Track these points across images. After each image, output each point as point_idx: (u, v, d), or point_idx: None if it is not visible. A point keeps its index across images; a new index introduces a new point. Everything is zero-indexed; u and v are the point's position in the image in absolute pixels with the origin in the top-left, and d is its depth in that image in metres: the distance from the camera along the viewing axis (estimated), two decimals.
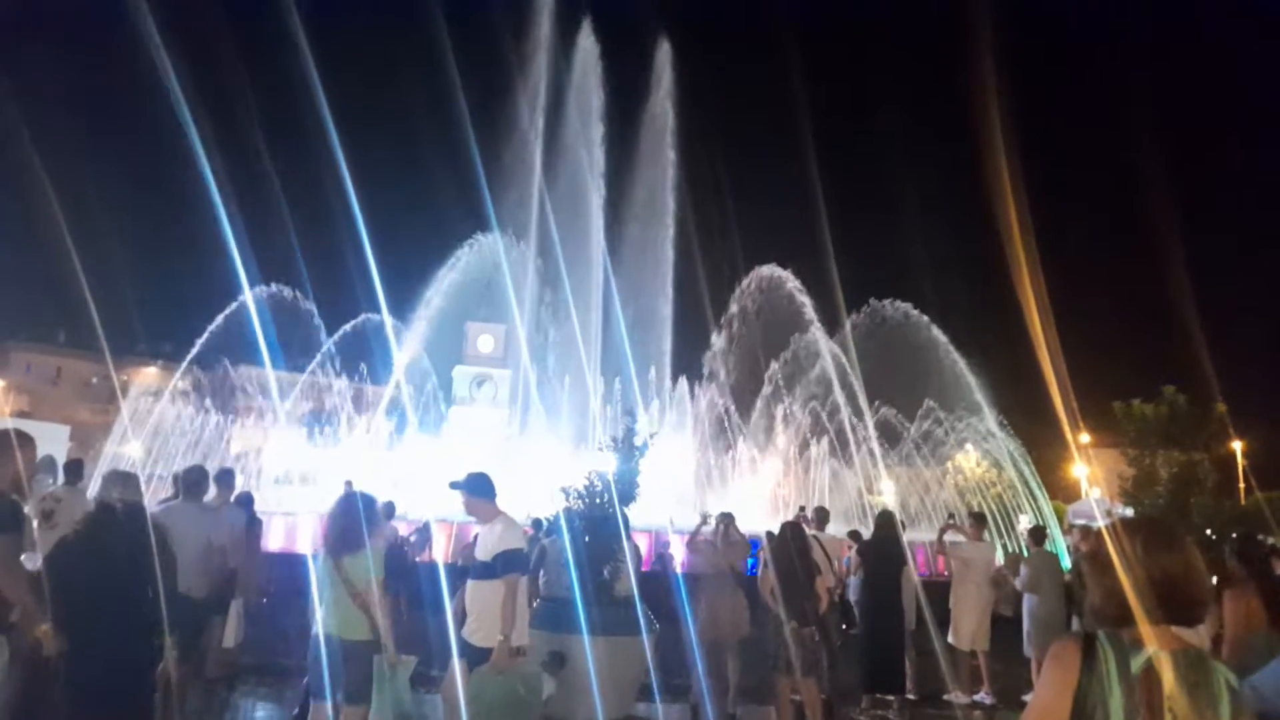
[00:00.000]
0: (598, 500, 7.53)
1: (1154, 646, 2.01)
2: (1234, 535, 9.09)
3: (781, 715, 7.08)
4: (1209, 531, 21.76)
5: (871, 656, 8.35)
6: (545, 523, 8.48)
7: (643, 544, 13.74)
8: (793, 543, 7.25)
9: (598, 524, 7.41)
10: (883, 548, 8.71)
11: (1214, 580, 6.52)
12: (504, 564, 5.15)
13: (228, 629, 7.03)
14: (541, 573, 8.17)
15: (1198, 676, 1.99)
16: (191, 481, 6.53)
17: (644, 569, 11.26)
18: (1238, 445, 36.17)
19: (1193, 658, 2.03)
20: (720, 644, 7.91)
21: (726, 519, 8.63)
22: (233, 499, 7.72)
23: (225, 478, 7.63)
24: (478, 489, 5.40)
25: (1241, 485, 38.72)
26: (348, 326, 23.76)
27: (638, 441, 7.63)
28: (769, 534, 7.60)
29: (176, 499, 6.64)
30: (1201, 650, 2.08)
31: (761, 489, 23.61)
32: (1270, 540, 11.84)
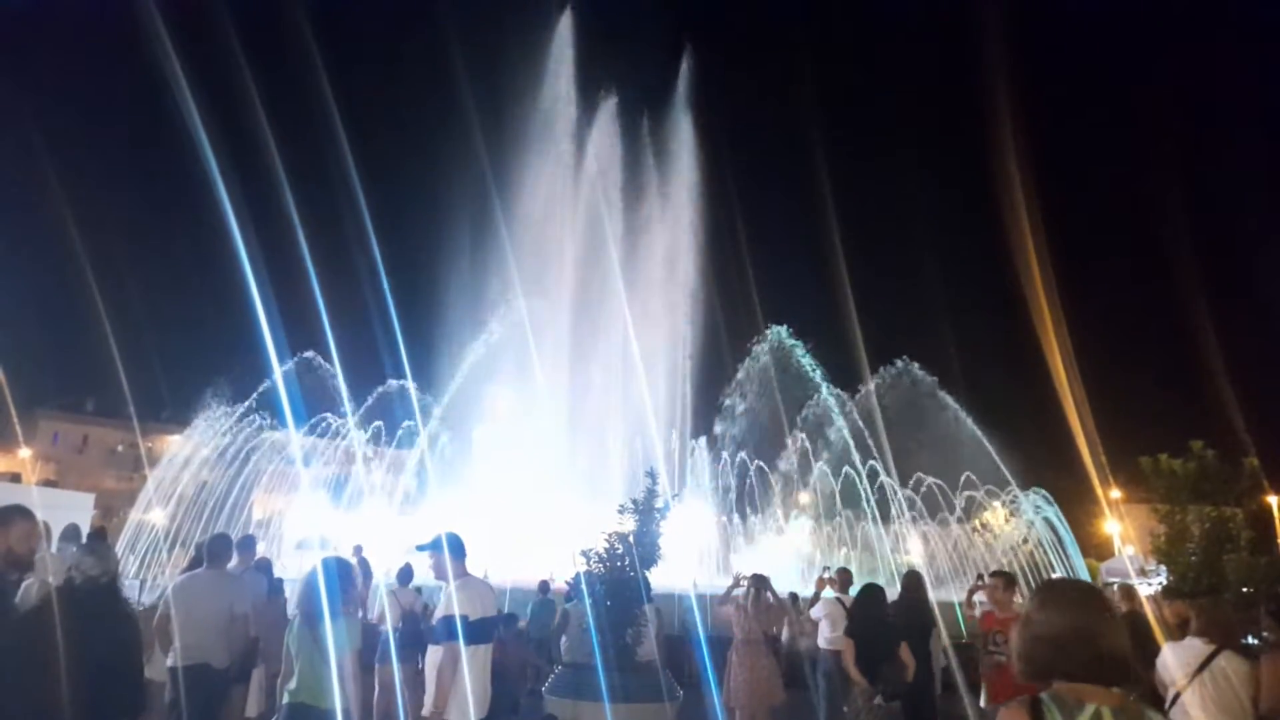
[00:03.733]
0: (618, 563, 7.46)
1: (1095, 703, 2.16)
2: (1271, 595, 8.86)
3: None
4: (1245, 589, 21.14)
5: None
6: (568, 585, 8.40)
7: (666, 608, 13.58)
8: (876, 607, 7.07)
9: (618, 587, 7.34)
10: (911, 609, 8.52)
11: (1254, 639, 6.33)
12: (442, 630, 5.02)
13: (250, 698, 6.98)
14: (564, 639, 8.10)
15: None
16: (215, 551, 6.54)
17: (670, 634, 11.12)
18: (1273, 500, 35.35)
19: (1132, 711, 2.19)
20: (752, 712, 7.75)
21: (759, 581, 8.45)
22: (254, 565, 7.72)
23: (247, 544, 7.65)
24: (445, 548, 5.26)
25: (1279, 540, 37.72)
26: (373, 393, 23.98)
27: (658, 503, 7.59)
28: (855, 598, 7.36)
29: (201, 567, 6.65)
30: (1139, 703, 2.24)
31: (787, 550, 23.32)
32: None
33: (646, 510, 7.54)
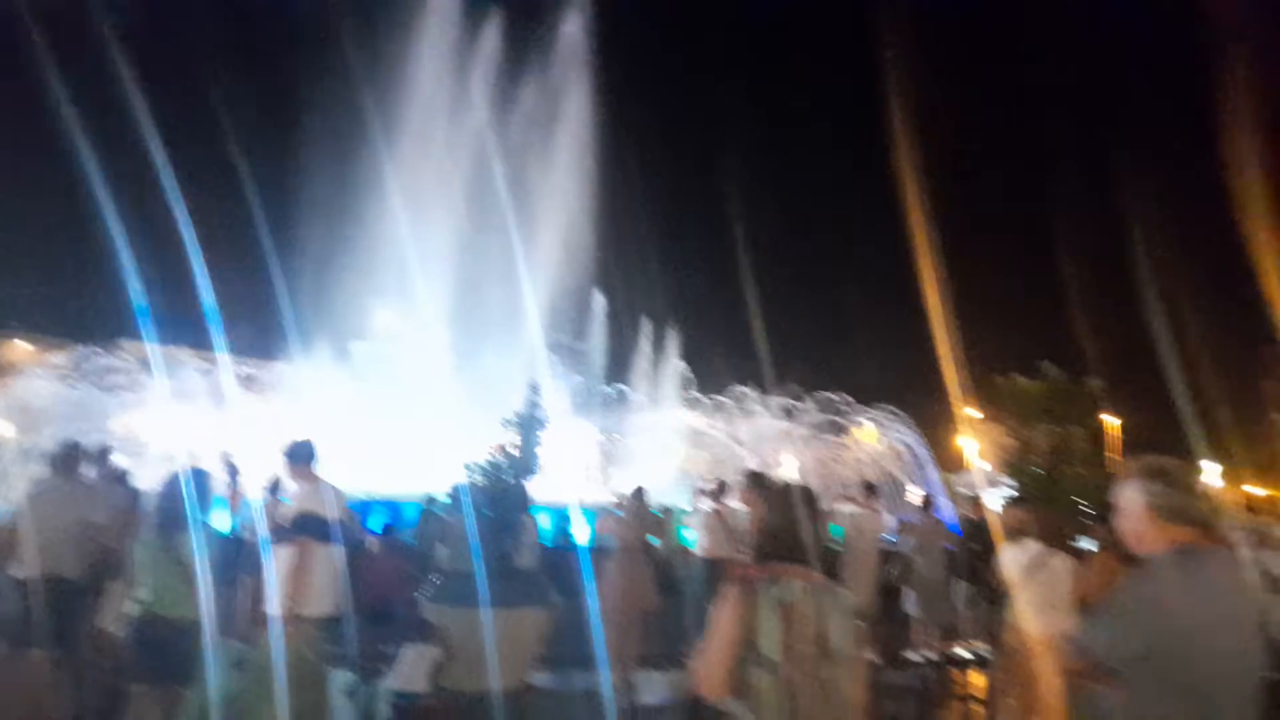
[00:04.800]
0: (499, 475, 7.48)
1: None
2: (1101, 505, 9.75)
3: None
4: (1080, 500, 23.11)
5: None
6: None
7: (549, 520, 13.79)
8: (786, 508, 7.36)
9: (498, 498, 7.37)
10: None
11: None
12: (289, 529, 5.05)
13: (108, 611, 6.73)
14: (444, 547, 8.12)
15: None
16: (62, 457, 6.20)
17: (550, 545, 11.31)
18: (1109, 419, 38.65)
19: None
20: (627, 616, 8.02)
21: (638, 493, 8.73)
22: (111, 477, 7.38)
23: (103, 454, 7.28)
24: (293, 456, 5.28)
25: (1114, 457, 41.41)
26: (243, 304, 22.80)
27: (539, 415, 7.61)
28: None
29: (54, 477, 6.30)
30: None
31: (669, 464, 23.93)
32: None
33: (527, 422, 7.54)
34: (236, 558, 6.11)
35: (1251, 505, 28.15)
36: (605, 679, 7.69)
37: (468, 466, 7.44)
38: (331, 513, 5.16)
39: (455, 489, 8.12)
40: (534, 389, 7.91)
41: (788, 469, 25.05)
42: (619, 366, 26.41)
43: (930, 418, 31.73)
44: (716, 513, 9.40)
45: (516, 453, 7.37)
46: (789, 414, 25.87)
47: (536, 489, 8.29)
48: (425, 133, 23.66)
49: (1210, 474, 40.36)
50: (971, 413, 35.75)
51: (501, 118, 23.79)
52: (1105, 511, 6.91)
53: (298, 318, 23.64)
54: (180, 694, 4.75)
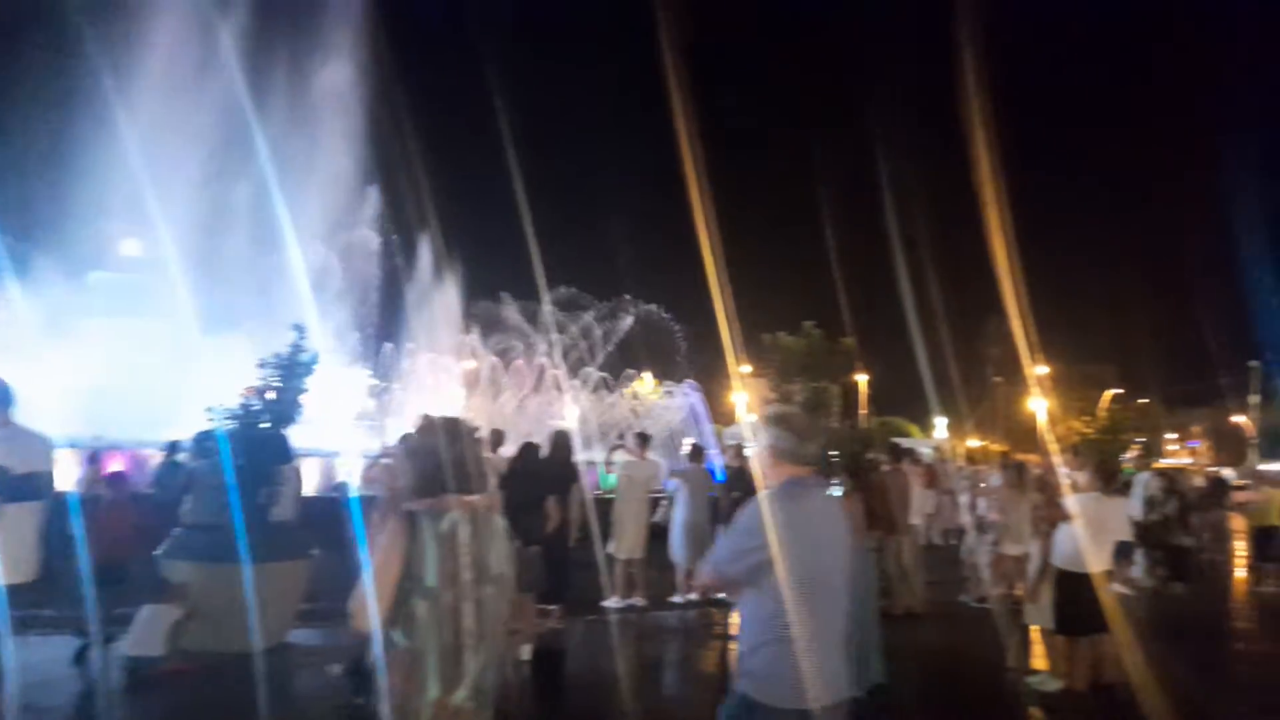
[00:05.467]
0: (254, 421, 6.97)
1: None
2: (851, 455, 10.71)
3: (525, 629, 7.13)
4: (832, 450, 25.23)
5: (552, 571, 8.64)
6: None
7: (314, 469, 13.10)
8: (528, 463, 7.30)
9: (253, 445, 6.88)
10: (556, 466, 9.04)
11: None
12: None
13: None
14: (188, 499, 7.49)
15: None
16: None
17: (314, 494, 10.76)
18: (861, 377, 42.44)
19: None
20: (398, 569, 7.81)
21: (408, 439, 8.43)
22: None
23: None
24: None
25: (863, 411, 45.60)
26: None
27: (302, 358, 7.13)
28: (514, 455, 7.52)
29: None
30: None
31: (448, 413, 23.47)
32: (874, 456, 14.00)
33: (288, 366, 7.06)
34: None
35: (970, 456, 31.96)
36: (375, 634, 7.49)
37: (215, 411, 6.87)
38: (35, 466, 4.51)
39: (203, 435, 7.50)
40: (298, 330, 7.41)
41: (568, 418, 25.37)
42: (395, 310, 25.40)
43: (707, 373, 33.38)
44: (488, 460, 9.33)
45: (275, 397, 6.90)
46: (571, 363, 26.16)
47: (299, 436, 7.83)
48: (173, 51, 21.20)
49: (939, 427, 45.51)
50: (743, 369, 37.96)
51: (252, 38, 21.72)
52: (853, 460, 7.61)
53: (25, 244, 20.76)
54: None
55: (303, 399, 7.25)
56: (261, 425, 7.03)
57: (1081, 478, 7.76)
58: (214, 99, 20.91)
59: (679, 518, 9.93)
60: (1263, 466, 28.97)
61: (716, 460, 14.26)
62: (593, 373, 27.66)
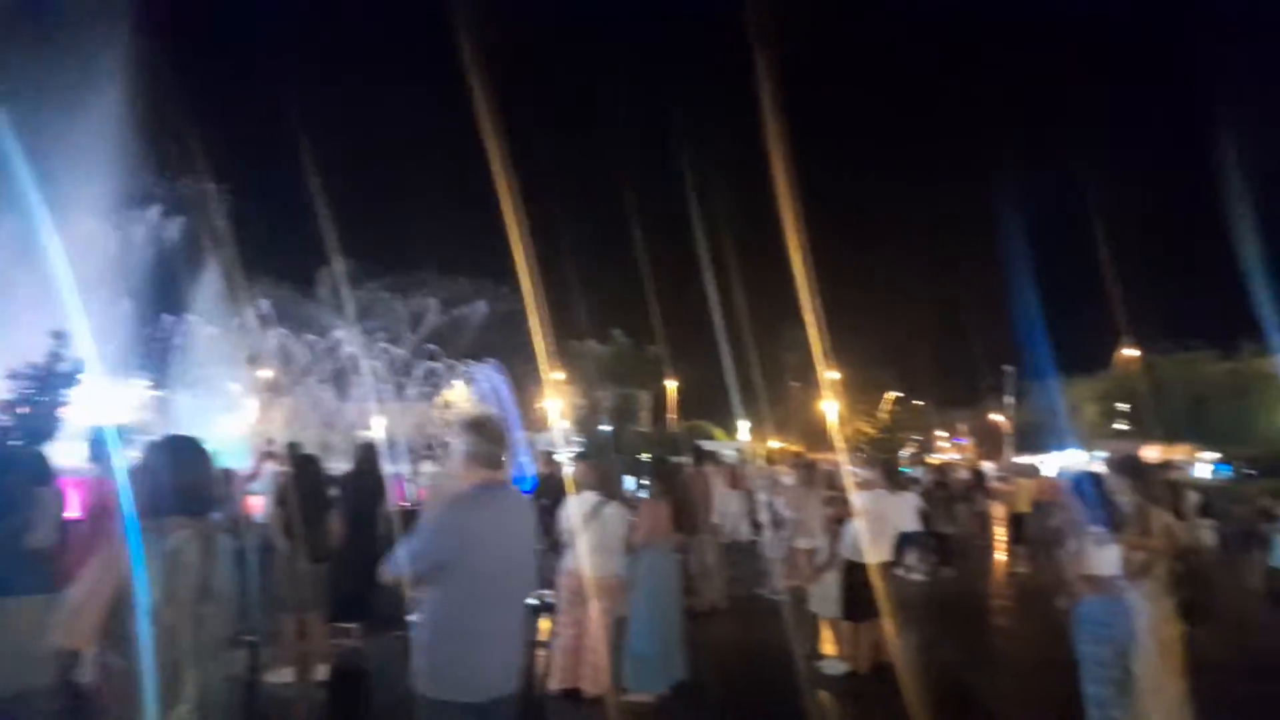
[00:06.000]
0: (4, 439, 6.22)
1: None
2: (657, 459, 10.99)
3: (285, 654, 6.71)
4: (642, 455, 25.80)
5: (341, 588, 8.27)
6: None
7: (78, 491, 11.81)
8: (309, 480, 6.93)
9: (3, 466, 6.13)
10: (362, 480, 8.67)
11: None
12: None
13: None
14: None
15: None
16: None
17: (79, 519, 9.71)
18: (671, 383, 43.76)
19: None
20: None
21: None
22: None
23: None
24: None
25: (671, 415, 46.99)
26: None
27: (63, 368, 6.45)
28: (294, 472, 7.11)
29: None
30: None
31: (244, 425, 21.90)
32: (678, 460, 14.48)
33: (45, 377, 6.36)
34: None
35: (770, 457, 33.71)
36: (149, 667, 6.86)
37: None
38: None
39: None
40: (61, 337, 6.69)
41: (376, 429, 24.39)
42: (179, 313, 23.38)
43: (520, 379, 33.14)
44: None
45: (29, 411, 6.19)
46: (382, 370, 25.20)
47: (60, 455, 7.06)
48: None
49: (743, 430, 47.66)
50: (556, 376, 38.08)
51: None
52: (661, 465, 7.82)
53: None
54: None
55: (62, 413, 6.55)
56: (12, 442, 6.28)
57: (869, 475, 8.41)
58: None
59: None
60: (1017, 460, 32.50)
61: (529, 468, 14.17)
62: (402, 381, 26.82)
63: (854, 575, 7.35)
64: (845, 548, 7.50)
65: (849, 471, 10.34)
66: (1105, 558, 5.19)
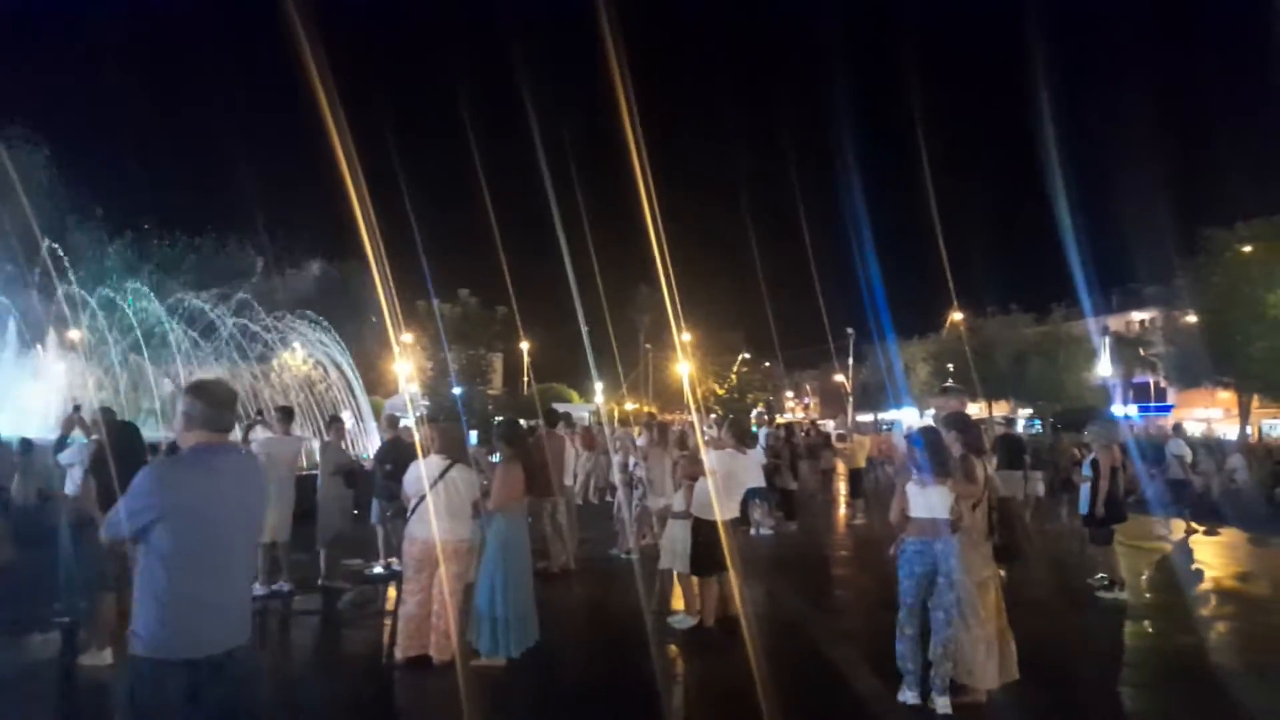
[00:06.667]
0: None
1: None
2: (499, 420, 10.77)
3: (105, 635, 6.14)
4: (495, 418, 25.45)
5: None
6: None
7: None
8: (128, 444, 6.34)
9: None
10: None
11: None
12: None
13: None
14: None
15: None
16: None
17: None
18: (524, 345, 43.31)
19: None
20: None
21: None
22: None
23: None
24: None
25: (525, 378, 46.60)
26: None
27: None
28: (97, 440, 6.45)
29: None
30: None
31: (47, 391, 19.93)
32: (531, 423, 14.31)
33: None
34: None
35: (624, 419, 34.07)
36: None
37: None
38: None
39: None
40: None
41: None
42: None
43: (364, 341, 31.82)
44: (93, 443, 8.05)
45: None
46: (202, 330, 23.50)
47: None
48: None
49: (597, 392, 47.95)
50: (403, 338, 36.83)
51: None
52: (512, 427, 7.63)
53: None
54: None
55: None
56: None
57: (720, 435, 8.55)
58: None
59: (320, 496, 9.47)
60: (859, 418, 34.30)
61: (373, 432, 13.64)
62: (227, 343, 25.15)
63: (702, 532, 7.47)
64: (696, 505, 7.60)
65: (700, 431, 10.51)
66: (926, 502, 5.54)
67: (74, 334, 22.45)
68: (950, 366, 48.19)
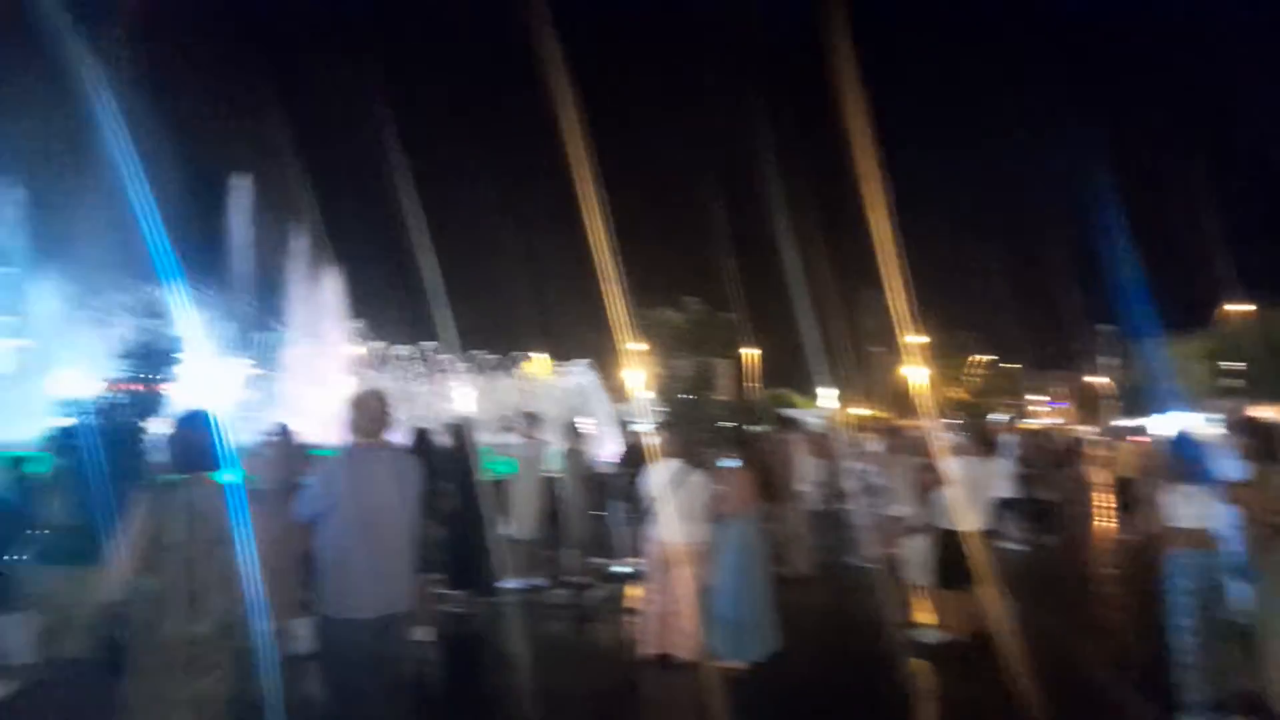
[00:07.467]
0: (118, 415, 6.54)
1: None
2: (729, 426, 10.89)
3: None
4: (722, 423, 25.66)
5: (456, 556, 8.42)
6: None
7: None
8: (421, 447, 7.22)
9: (117, 440, 6.46)
10: (462, 454, 8.82)
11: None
12: None
13: None
14: (54, 500, 7.00)
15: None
16: None
17: None
18: (748, 350, 43.38)
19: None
20: (280, 562, 7.48)
21: (284, 432, 8.08)
22: None
23: None
24: None
25: (754, 384, 46.64)
26: None
27: (163, 346, 6.73)
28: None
29: None
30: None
31: (326, 401, 22.66)
32: (760, 428, 14.32)
33: (148, 356, 6.65)
34: None
35: (856, 424, 33.16)
36: (261, 629, 7.15)
37: (74, 405, 6.40)
38: None
39: (64, 432, 7.00)
40: (160, 316, 6.99)
41: (461, 402, 24.88)
42: (273, 300, 24.32)
43: (601, 351, 33.34)
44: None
45: (138, 389, 6.50)
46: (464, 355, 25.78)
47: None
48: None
49: (827, 398, 47.02)
50: (634, 346, 38.16)
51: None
52: (743, 433, 7.75)
53: None
54: None
55: (166, 389, 6.85)
56: (125, 420, 6.60)
57: (960, 441, 8.16)
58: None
59: (564, 498, 9.99)
60: (1118, 423, 31.17)
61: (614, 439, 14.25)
62: (485, 355, 27.32)
63: (947, 543, 7.16)
64: (939, 516, 7.29)
65: (938, 437, 10.05)
66: (1195, 510, 5.00)
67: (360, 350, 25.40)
68: (1231, 365, 42.47)
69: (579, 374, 28.17)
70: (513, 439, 10.15)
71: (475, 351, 27.24)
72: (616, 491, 10.27)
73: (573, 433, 10.83)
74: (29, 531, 6.70)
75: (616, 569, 10.31)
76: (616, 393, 38.85)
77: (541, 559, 9.60)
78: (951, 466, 7.36)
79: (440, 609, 8.01)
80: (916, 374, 43.60)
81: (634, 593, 9.11)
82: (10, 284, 19.34)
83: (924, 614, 7.77)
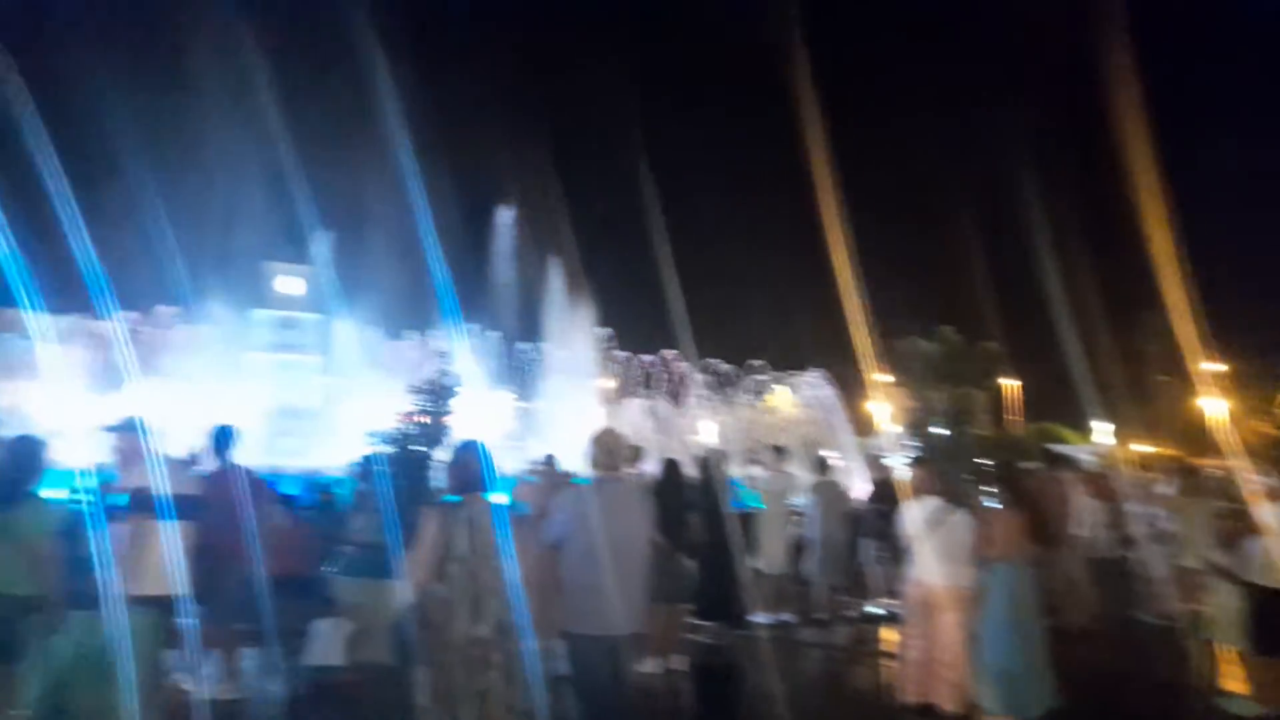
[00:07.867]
0: (409, 443, 7.32)
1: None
2: (1002, 464, 10.12)
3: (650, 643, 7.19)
4: (982, 459, 24.06)
5: (708, 588, 8.54)
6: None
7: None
8: (671, 480, 7.54)
9: (409, 467, 7.21)
10: (710, 485, 8.96)
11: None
12: (134, 504, 4.79)
13: None
14: (359, 518, 7.92)
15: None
16: None
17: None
18: (1008, 380, 40.33)
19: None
20: (545, 583, 7.96)
21: (550, 461, 8.63)
22: None
23: None
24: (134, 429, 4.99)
25: (1016, 417, 43.31)
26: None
27: (448, 383, 7.46)
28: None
29: None
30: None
31: (581, 433, 23.90)
32: (1026, 465, 13.23)
33: (435, 391, 7.39)
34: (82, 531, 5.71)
35: (1144, 463, 29.76)
36: (528, 648, 7.63)
37: (375, 435, 7.26)
38: (179, 489, 4.80)
39: (367, 459, 7.91)
40: (443, 356, 7.77)
41: (706, 434, 25.31)
42: (534, 330, 26.18)
43: (841, 382, 32.52)
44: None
45: (426, 421, 7.24)
46: (713, 380, 26.22)
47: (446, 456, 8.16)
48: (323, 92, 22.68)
49: (1103, 433, 42.68)
50: (880, 377, 36.81)
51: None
52: (1010, 470, 7.19)
53: (198, 283, 22.57)
54: (11, 672, 4.49)
55: (449, 421, 7.56)
56: (415, 448, 7.36)
57: (1276, 485, 7.09)
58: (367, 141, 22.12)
59: (814, 534, 9.71)
60: None
61: (858, 472, 13.80)
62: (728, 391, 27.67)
63: (1264, 601, 6.20)
64: (1253, 569, 6.36)
65: (1247, 479, 8.80)
66: None
67: (611, 383, 26.57)
68: None
69: (814, 387, 27.56)
70: (758, 471, 10.13)
71: (710, 360, 27.57)
72: (868, 528, 9.93)
73: (822, 466, 10.62)
74: (336, 547, 7.64)
75: (870, 609, 9.93)
76: (861, 425, 37.71)
77: (790, 594, 9.46)
78: (1265, 513, 6.40)
79: (692, 638, 8.10)
80: (1214, 406, 38.42)
81: (890, 635, 8.73)
82: (320, 329, 22.25)
83: (1235, 682, 6.77)
